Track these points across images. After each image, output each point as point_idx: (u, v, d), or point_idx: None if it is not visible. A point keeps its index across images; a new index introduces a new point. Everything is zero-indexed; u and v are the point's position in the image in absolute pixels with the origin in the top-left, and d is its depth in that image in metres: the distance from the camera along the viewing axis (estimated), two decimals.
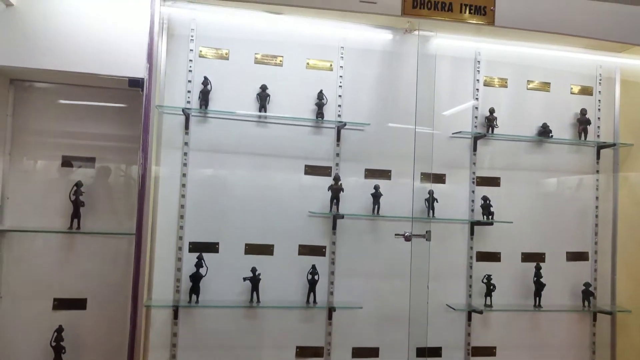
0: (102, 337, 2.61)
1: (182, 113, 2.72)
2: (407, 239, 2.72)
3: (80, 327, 2.60)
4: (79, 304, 2.61)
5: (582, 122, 3.23)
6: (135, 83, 2.40)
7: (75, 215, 2.56)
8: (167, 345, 2.71)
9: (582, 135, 3.23)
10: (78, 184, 2.58)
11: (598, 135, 3.31)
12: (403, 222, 2.95)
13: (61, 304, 2.59)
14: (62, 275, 2.59)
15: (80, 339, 2.59)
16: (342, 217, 2.89)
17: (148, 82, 2.39)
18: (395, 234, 2.75)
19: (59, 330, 2.51)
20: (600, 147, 3.28)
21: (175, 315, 2.72)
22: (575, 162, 3.28)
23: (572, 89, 3.30)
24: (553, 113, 3.25)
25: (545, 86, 3.26)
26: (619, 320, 3.22)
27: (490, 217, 3.02)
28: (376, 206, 2.91)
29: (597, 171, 3.29)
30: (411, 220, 2.81)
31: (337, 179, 2.86)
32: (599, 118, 3.31)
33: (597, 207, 3.28)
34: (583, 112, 3.24)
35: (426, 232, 2.76)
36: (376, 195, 2.92)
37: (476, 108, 3.15)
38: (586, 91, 3.32)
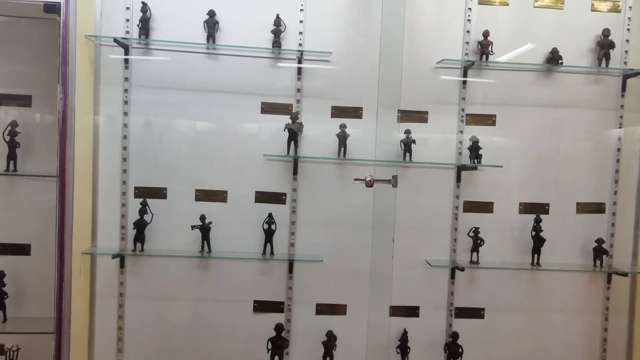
0: (46, 284, 2.50)
1: (114, 44, 2.45)
2: (369, 184, 2.36)
3: (24, 273, 2.51)
4: (22, 249, 2.51)
5: (604, 46, 2.64)
6: (51, 8, 2.14)
7: (11, 156, 2.42)
8: (114, 295, 2.57)
9: (604, 61, 2.65)
10: (12, 124, 2.42)
11: (625, 62, 2.70)
12: (374, 167, 2.59)
13: (4, 249, 2.50)
14: (3, 219, 2.49)
15: (24, 286, 2.51)
16: (297, 160, 2.57)
17: (65, 6, 2.14)
18: (355, 179, 2.39)
19: (1, 275, 2.43)
20: (627, 76, 2.68)
21: (122, 264, 2.57)
22: (593, 96, 2.71)
23: (593, 4, 2.69)
24: (567, 36, 2.67)
25: (558, 2, 2.67)
26: (638, 283, 2.72)
27: (477, 160, 2.57)
28: (342, 148, 2.56)
29: (622, 106, 2.71)
30: (374, 163, 2.44)
31: (294, 117, 2.52)
32: (627, 40, 2.69)
33: (619, 149, 2.72)
34: (605, 33, 2.64)
35: (392, 177, 2.39)
36: (342, 136, 2.55)
37: (468, 31, 2.64)
38: (612, 7, 2.69)
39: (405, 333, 2.65)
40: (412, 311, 2.70)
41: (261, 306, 2.64)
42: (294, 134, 2.51)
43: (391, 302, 2.68)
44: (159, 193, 2.58)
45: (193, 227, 2.52)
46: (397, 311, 2.69)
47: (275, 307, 2.65)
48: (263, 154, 2.56)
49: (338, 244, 2.64)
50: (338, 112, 2.63)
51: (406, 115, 2.64)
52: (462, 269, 2.59)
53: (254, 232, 2.59)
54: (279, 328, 2.51)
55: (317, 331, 2.63)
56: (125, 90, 2.52)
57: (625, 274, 2.64)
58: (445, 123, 2.67)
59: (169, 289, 2.61)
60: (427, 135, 2.66)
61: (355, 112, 2.63)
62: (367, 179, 2.35)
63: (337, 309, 2.67)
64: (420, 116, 2.66)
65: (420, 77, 2.63)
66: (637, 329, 2.72)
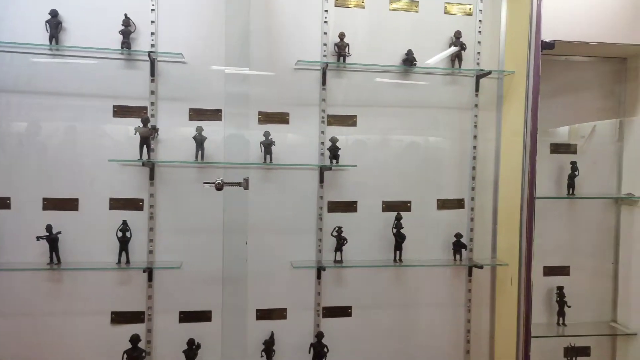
0: None
1: None
2: (219, 187, 2.32)
3: None
4: None
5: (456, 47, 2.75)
6: None
7: None
8: None
9: (456, 62, 2.75)
10: None
11: (478, 63, 2.82)
12: (234, 169, 2.56)
13: None
14: None
15: None
16: (154, 164, 2.50)
17: None
18: (204, 182, 2.35)
19: None
20: (480, 76, 2.80)
21: None
22: (450, 96, 2.81)
23: (446, 8, 2.79)
24: (422, 38, 2.76)
25: (412, 5, 2.75)
26: (497, 275, 2.84)
27: (335, 161, 2.60)
28: (200, 151, 2.51)
29: (476, 105, 2.83)
30: (226, 165, 2.41)
31: (145, 120, 2.44)
32: (479, 42, 2.82)
33: (474, 147, 2.83)
34: (457, 35, 2.75)
35: (244, 179, 2.37)
36: (199, 139, 2.50)
37: (325, 33, 2.67)
38: (464, 10, 2.81)
39: (272, 336, 2.64)
40: (279, 313, 2.69)
41: (119, 317, 2.54)
42: (145, 138, 2.44)
43: (253, 305, 2.65)
44: (2, 203, 2.42)
45: (38, 238, 2.39)
46: (265, 314, 2.67)
47: (135, 317, 2.55)
48: (108, 159, 2.46)
49: (200, 249, 2.58)
50: (196, 114, 2.58)
51: (267, 117, 2.63)
52: (324, 269, 2.61)
53: (110, 241, 2.49)
54: (134, 339, 2.42)
55: (180, 340, 2.55)
56: None
57: (481, 267, 2.74)
58: (307, 124, 2.68)
59: (16, 305, 2.45)
60: (289, 136, 2.65)
61: (214, 115, 2.59)
62: (217, 182, 2.32)
63: (201, 316, 2.62)
64: (281, 117, 2.65)
65: (280, 78, 2.63)
66: (498, 319, 2.84)
